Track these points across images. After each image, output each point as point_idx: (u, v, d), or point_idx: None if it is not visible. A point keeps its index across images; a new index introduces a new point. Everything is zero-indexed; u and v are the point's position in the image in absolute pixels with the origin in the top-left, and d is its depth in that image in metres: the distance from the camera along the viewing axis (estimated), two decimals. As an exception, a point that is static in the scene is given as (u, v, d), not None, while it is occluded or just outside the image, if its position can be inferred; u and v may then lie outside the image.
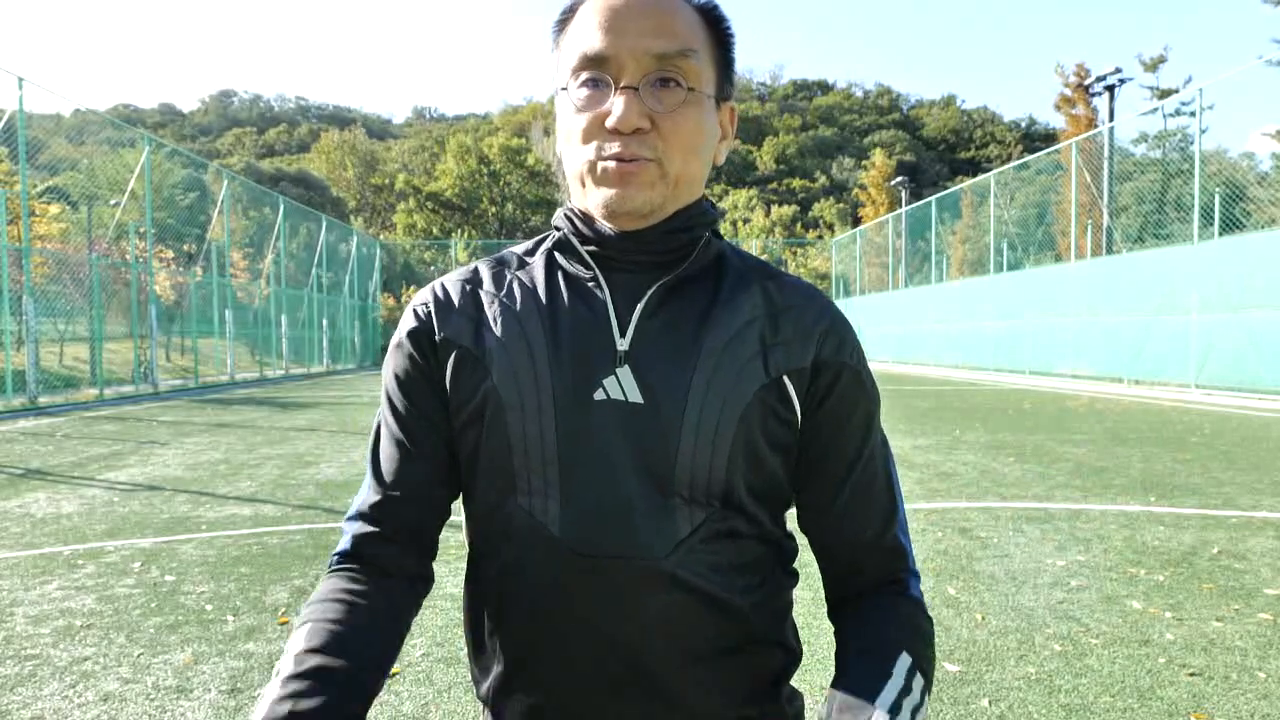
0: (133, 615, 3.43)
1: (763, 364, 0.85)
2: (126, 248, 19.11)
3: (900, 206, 35.06)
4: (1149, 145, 27.44)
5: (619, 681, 0.83)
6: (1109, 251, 20.67)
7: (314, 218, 31.85)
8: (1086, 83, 29.94)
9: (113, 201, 21.34)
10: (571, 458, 0.83)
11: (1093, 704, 2.58)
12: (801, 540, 0.98)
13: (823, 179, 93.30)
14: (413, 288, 40.81)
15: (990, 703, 2.59)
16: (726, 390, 0.84)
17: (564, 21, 0.87)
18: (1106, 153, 20.84)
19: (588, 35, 0.82)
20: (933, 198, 31.36)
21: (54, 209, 20.24)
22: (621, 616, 0.82)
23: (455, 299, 0.91)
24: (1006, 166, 26.76)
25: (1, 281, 13.41)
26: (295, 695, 0.72)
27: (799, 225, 67.65)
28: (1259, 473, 6.67)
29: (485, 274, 0.93)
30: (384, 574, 0.88)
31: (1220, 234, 15.18)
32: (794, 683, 0.94)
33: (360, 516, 0.89)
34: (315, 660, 0.76)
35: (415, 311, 0.92)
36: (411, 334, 0.91)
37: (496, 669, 0.88)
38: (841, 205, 73.19)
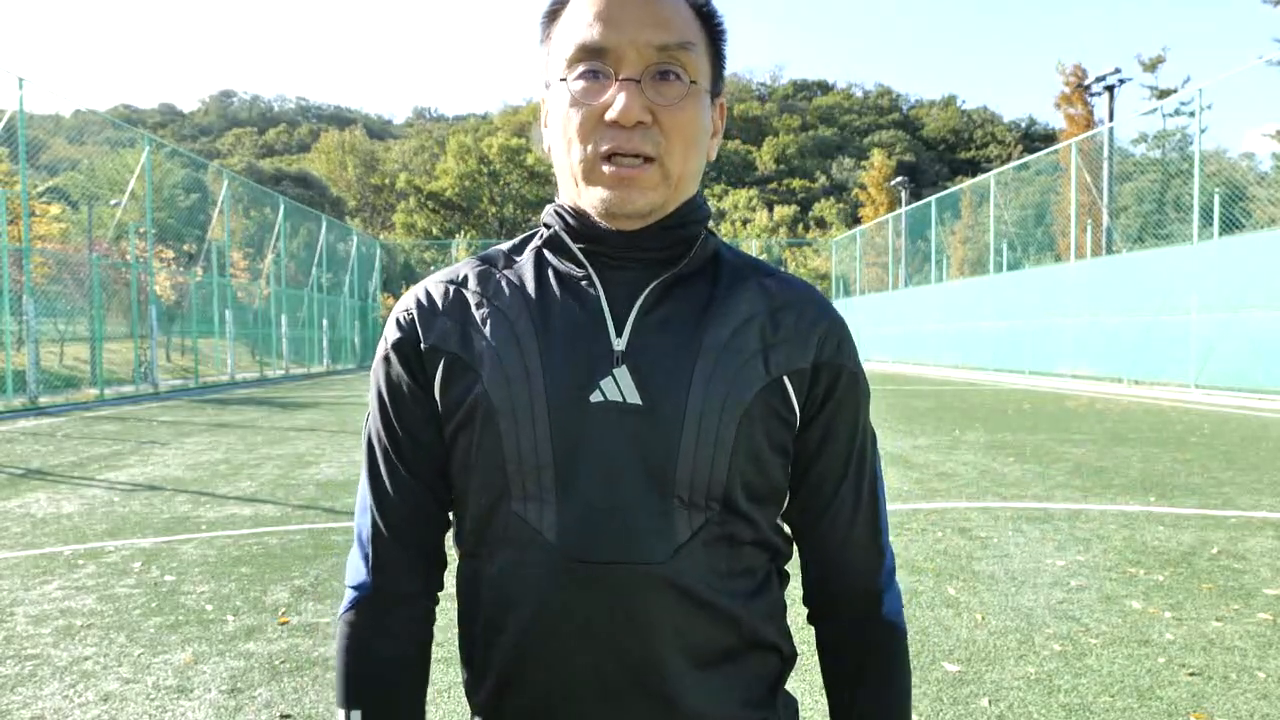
0: (133, 615, 3.43)
1: (763, 363, 0.85)
2: (126, 248, 19.13)
3: (900, 206, 35.04)
4: (1149, 145, 27.42)
5: (616, 688, 0.82)
6: (1109, 251, 20.67)
7: (314, 218, 31.87)
8: (1086, 83, 29.93)
9: (113, 201, 21.37)
10: (568, 462, 0.81)
11: (1093, 704, 2.58)
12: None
13: (823, 179, 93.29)
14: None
15: (990, 703, 2.59)
16: (727, 388, 0.82)
17: (554, 13, 0.84)
18: (1106, 153, 20.85)
19: (584, 25, 0.80)
20: (932, 198, 31.36)
21: (54, 209, 20.23)
22: (619, 623, 0.81)
23: (439, 302, 0.88)
24: (1006, 166, 26.77)
25: (2, 281, 13.41)
26: None
27: (799, 225, 67.70)
28: (1259, 473, 6.67)
29: (470, 274, 0.90)
30: (402, 602, 0.89)
31: (1220, 234, 15.18)
32: (788, 685, 0.94)
33: (370, 543, 0.88)
34: None
35: (398, 320, 0.89)
36: (396, 345, 0.88)
37: (490, 678, 0.87)
38: (841, 205, 73.22)
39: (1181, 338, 15.44)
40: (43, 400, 14.26)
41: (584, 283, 0.86)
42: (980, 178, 28.38)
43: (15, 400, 13.74)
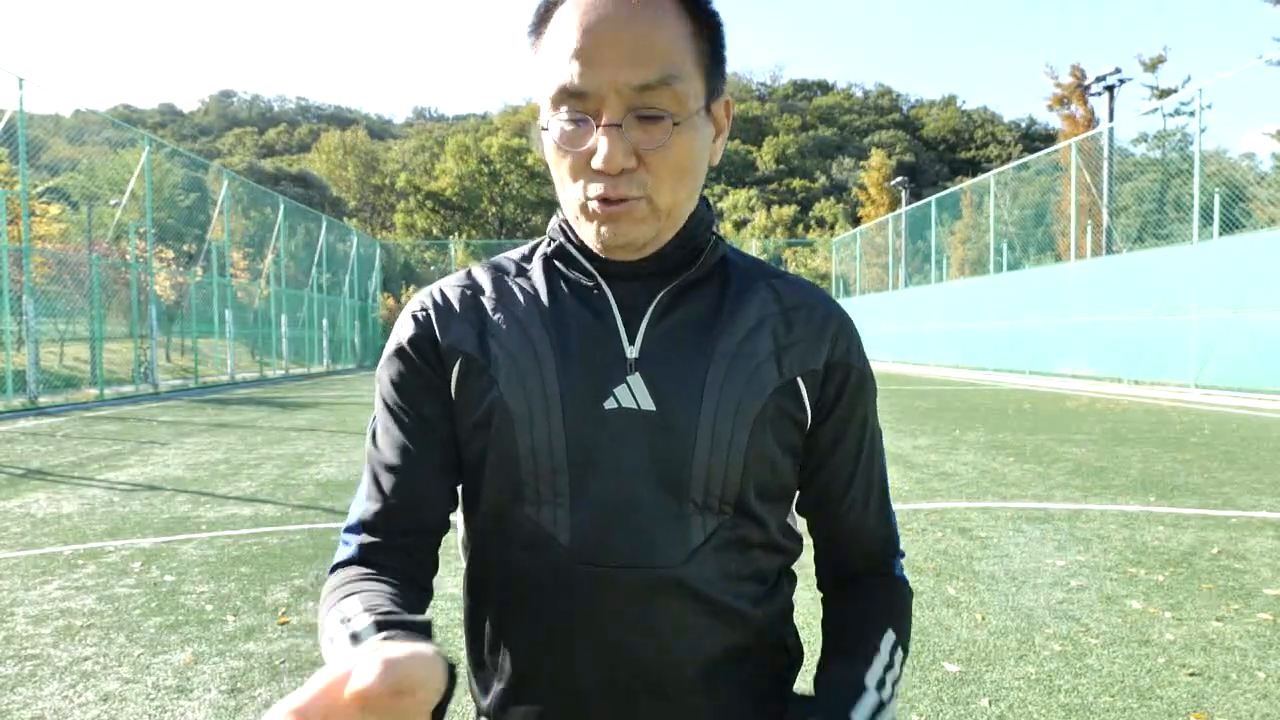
0: (133, 615, 3.43)
1: (776, 365, 0.85)
2: (126, 248, 19.12)
3: (900, 206, 35.05)
4: (1149, 145, 27.41)
5: (628, 691, 0.82)
6: (1109, 251, 20.67)
7: (314, 218, 31.86)
8: (1086, 83, 29.93)
9: (113, 202, 21.38)
10: (582, 467, 0.81)
11: (1092, 704, 2.58)
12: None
13: (823, 179, 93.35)
14: (412, 288, 40.81)
15: (990, 703, 2.59)
16: (740, 391, 0.83)
17: (539, 23, 0.81)
18: (1106, 153, 20.85)
19: (564, 62, 0.76)
20: (932, 198, 31.35)
21: (54, 209, 20.24)
22: (631, 626, 0.81)
23: (456, 304, 0.88)
24: (1006, 166, 26.75)
25: (2, 281, 13.41)
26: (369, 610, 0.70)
27: (799, 225, 67.70)
28: (1259, 473, 6.67)
29: (485, 280, 0.91)
30: (396, 576, 0.84)
31: (1220, 234, 15.18)
32: (796, 684, 0.94)
33: (361, 526, 0.85)
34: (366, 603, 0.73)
35: (415, 317, 0.89)
36: (412, 340, 0.87)
37: (499, 681, 0.86)
38: (842, 205, 73.22)
39: (1181, 337, 15.44)
40: (43, 400, 14.26)
41: (595, 291, 0.87)
42: (980, 178, 28.37)
43: (15, 400, 13.74)
